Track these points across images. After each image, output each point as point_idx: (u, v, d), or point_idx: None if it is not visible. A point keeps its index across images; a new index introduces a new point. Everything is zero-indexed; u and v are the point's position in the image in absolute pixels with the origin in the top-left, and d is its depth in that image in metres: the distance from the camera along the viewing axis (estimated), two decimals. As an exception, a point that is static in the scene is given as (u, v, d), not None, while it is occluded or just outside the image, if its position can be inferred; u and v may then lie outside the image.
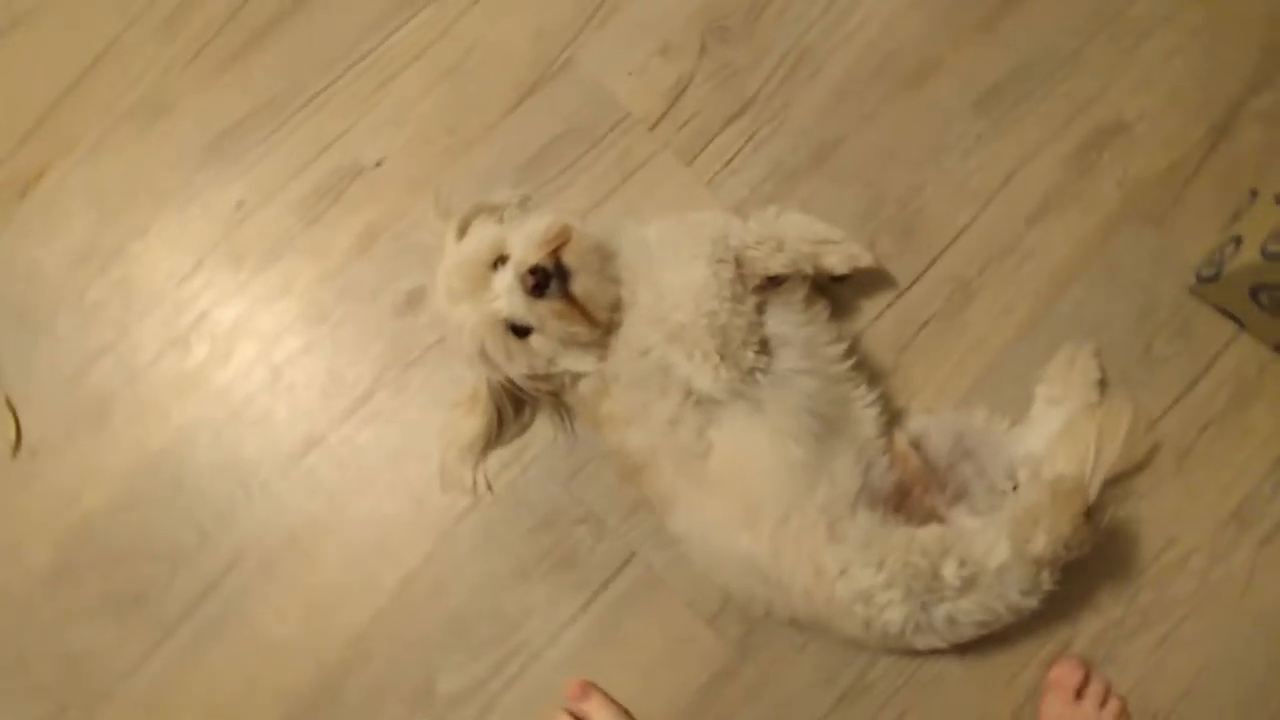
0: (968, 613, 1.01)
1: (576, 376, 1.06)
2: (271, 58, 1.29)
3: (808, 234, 1.11)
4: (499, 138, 1.29)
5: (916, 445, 1.13)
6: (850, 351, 1.11)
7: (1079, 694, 1.13)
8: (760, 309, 1.05)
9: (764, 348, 1.03)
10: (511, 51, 1.31)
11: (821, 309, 1.13)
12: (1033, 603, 1.02)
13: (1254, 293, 1.15)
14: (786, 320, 1.07)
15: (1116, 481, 1.17)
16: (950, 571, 0.98)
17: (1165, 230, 1.28)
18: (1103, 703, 1.13)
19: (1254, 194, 1.25)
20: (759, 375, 1.02)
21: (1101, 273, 1.27)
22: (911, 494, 1.10)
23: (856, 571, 0.99)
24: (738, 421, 1.02)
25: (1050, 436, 1.14)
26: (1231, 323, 1.24)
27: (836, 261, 1.12)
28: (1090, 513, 0.98)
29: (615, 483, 1.19)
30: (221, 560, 1.21)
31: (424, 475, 1.22)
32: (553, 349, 1.02)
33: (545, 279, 0.96)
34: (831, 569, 0.99)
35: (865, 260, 1.14)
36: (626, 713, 1.16)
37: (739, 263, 1.04)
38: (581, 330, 1.00)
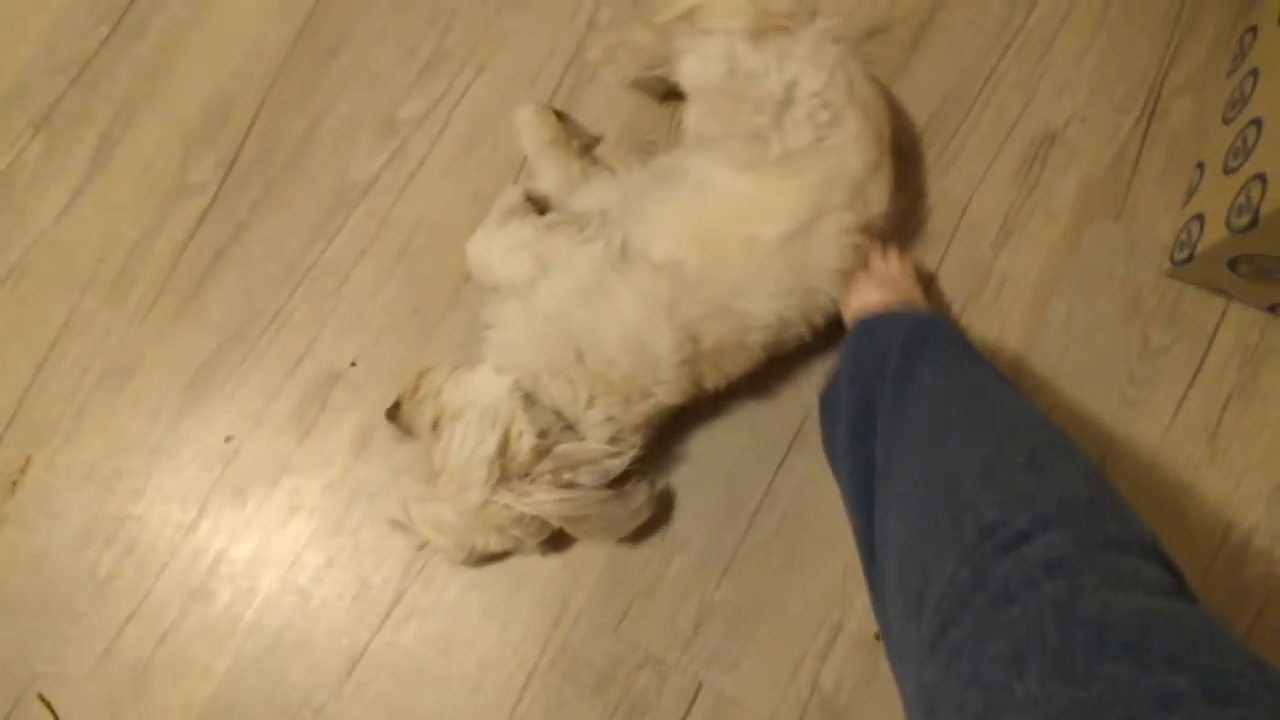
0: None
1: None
2: (223, 291, 1.30)
3: None
4: (465, 304, 1.30)
5: None
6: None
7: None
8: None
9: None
10: (454, 220, 1.32)
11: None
12: None
13: (1231, 265, 1.15)
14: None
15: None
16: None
17: (1127, 221, 1.29)
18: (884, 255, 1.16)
19: (1200, 166, 1.26)
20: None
21: (1079, 279, 1.27)
22: None
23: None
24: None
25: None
26: (1219, 295, 1.24)
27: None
28: None
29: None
30: (296, 800, 1.17)
31: (475, 658, 1.20)
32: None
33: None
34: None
35: None
36: None
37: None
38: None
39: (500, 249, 1.12)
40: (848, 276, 1.10)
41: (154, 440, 1.27)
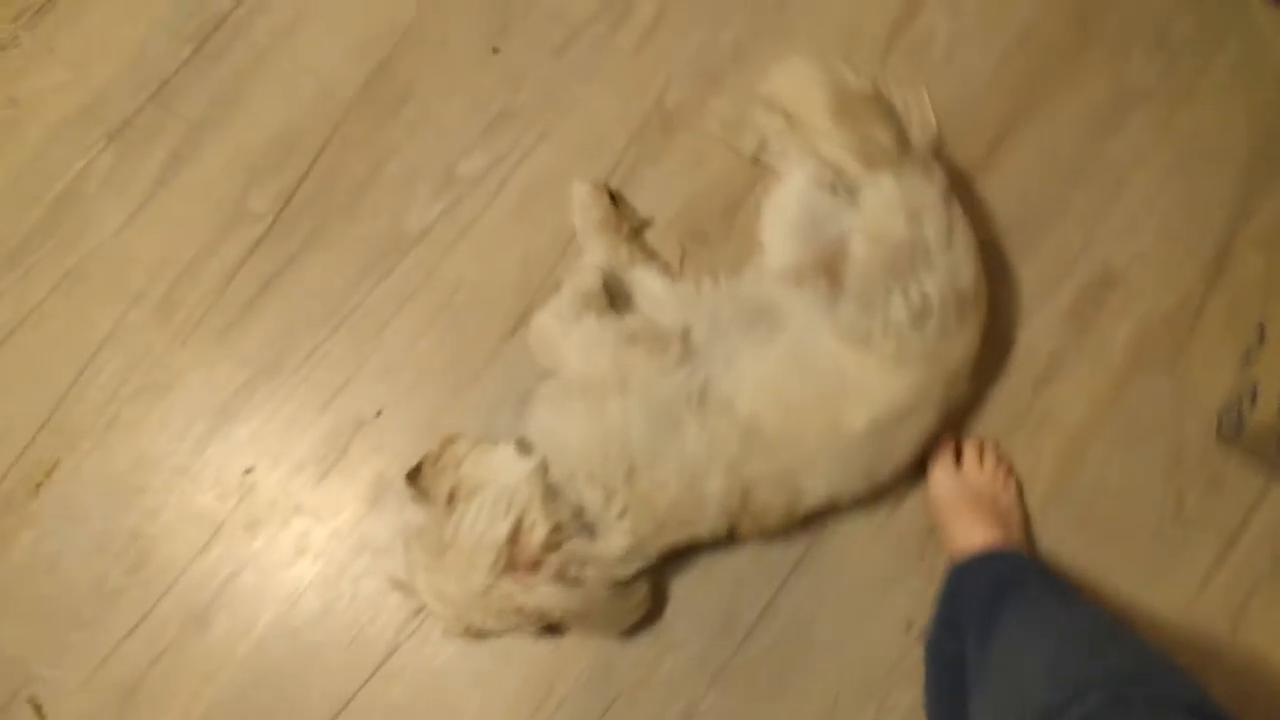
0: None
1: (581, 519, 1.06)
2: (265, 323, 1.32)
3: None
4: (499, 367, 1.30)
5: None
6: None
7: (958, 462, 1.19)
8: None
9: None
10: (500, 280, 1.32)
11: None
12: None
13: (1281, 444, 1.11)
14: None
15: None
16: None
17: (1179, 375, 1.25)
18: (981, 458, 1.19)
19: (1262, 331, 1.22)
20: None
21: (1121, 427, 1.25)
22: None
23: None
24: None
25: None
26: (1264, 469, 1.20)
27: None
28: None
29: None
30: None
31: (457, 724, 1.20)
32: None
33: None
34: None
35: None
36: None
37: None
38: None
39: (578, 346, 1.11)
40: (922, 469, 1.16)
41: (178, 461, 1.29)
